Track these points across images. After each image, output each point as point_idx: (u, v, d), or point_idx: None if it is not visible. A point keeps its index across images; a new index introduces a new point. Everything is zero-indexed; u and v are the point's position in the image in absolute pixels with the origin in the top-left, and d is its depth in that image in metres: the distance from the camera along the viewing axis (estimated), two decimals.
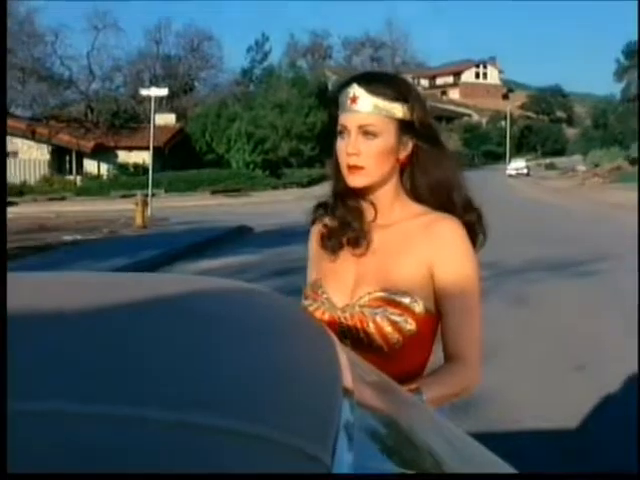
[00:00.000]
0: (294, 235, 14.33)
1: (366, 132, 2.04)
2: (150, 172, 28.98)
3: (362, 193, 2.13)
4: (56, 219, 27.53)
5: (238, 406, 0.81)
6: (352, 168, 2.05)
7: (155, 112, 30.79)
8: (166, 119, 50.46)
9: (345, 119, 2.07)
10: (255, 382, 0.90)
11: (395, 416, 1.19)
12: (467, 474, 1.11)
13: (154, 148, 29.85)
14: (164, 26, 64.71)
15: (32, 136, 47.28)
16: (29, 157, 47.03)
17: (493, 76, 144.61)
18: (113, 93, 57.44)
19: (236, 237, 20.20)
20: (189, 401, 0.79)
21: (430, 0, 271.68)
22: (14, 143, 44.79)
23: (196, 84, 65.74)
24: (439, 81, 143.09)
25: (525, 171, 71.91)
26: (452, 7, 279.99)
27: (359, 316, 2.05)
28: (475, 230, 2.14)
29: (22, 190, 41.97)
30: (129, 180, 44.31)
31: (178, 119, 53.66)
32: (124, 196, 38.13)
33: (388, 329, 2.01)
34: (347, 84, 2.10)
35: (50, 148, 48.24)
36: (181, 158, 48.55)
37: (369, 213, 2.15)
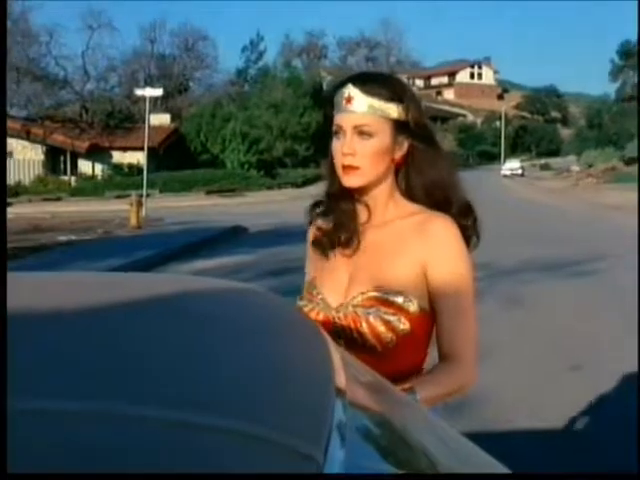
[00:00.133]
0: (289, 235, 14.32)
1: (361, 132, 2.04)
2: (145, 172, 28.96)
3: (357, 193, 2.13)
4: (51, 219, 27.49)
5: (232, 405, 0.82)
6: (347, 168, 2.06)
7: (150, 112, 30.79)
8: (161, 119, 50.44)
9: (340, 119, 2.07)
10: (249, 382, 0.90)
11: (389, 416, 1.19)
12: (461, 474, 1.11)
13: (149, 148, 29.82)
14: (159, 25, 64.79)
15: (27, 136, 47.23)
16: (24, 157, 46.98)
17: (488, 76, 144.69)
18: (108, 93, 57.41)
19: (231, 237, 20.18)
20: (185, 400, 0.80)
21: (425, 0, 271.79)
22: (9, 143, 44.69)
23: (191, 84, 65.75)
24: (434, 81, 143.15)
25: (520, 171, 71.90)
26: (447, 7, 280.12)
27: (352, 316, 2.05)
28: (469, 233, 2.14)
29: (17, 190, 41.91)
30: (124, 180, 44.26)
31: (173, 119, 53.63)
32: (119, 196, 38.07)
33: (381, 329, 2.02)
34: (342, 84, 2.10)
35: (45, 148, 48.19)
36: (176, 158, 48.53)
37: (363, 213, 2.16)
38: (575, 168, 63.85)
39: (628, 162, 53.23)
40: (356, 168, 2.05)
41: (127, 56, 61.82)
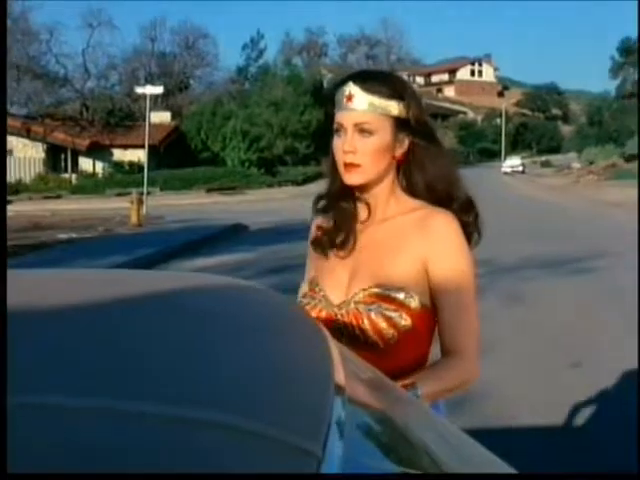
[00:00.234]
0: (289, 233, 14.32)
1: (362, 130, 2.05)
2: (145, 170, 28.96)
3: (358, 191, 2.14)
4: (51, 217, 27.51)
5: (231, 402, 0.82)
6: (348, 166, 2.06)
7: (150, 110, 30.78)
8: (161, 117, 50.45)
9: (341, 117, 2.08)
10: (249, 379, 0.90)
11: (389, 413, 1.19)
12: (463, 474, 1.11)
13: (149, 146, 29.84)
14: (159, 23, 64.79)
15: (27, 134, 47.26)
16: (24, 155, 47.01)
17: (488, 74, 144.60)
18: (108, 91, 57.41)
19: (231, 235, 20.19)
20: (185, 397, 0.80)
21: None
22: (9, 141, 44.70)
23: (191, 82, 65.73)
24: (434, 79, 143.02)
25: (520, 169, 71.88)
26: (447, 5, 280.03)
27: (354, 312, 2.05)
28: (470, 229, 2.14)
29: (17, 188, 41.94)
30: (124, 178, 44.28)
31: (173, 117, 53.65)
32: (119, 194, 38.11)
33: (383, 325, 2.02)
34: (343, 82, 2.11)
35: (45, 146, 48.23)
36: (176, 156, 48.55)
37: (364, 211, 2.16)
38: (576, 165, 63.85)
39: (628, 159, 53.20)
40: (357, 166, 2.06)
41: (127, 54, 61.89)
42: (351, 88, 2.06)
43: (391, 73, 2.37)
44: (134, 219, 23.06)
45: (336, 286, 2.13)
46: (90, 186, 45.10)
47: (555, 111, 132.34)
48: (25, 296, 1.13)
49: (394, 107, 2.06)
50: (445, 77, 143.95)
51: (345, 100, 2.07)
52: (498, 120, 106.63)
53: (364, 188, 2.12)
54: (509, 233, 16.16)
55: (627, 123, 64.78)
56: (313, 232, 2.26)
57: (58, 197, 41.71)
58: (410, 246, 2.06)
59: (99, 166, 49.36)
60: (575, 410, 5.62)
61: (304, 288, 2.25)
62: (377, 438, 1.04)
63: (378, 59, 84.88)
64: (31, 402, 0.75)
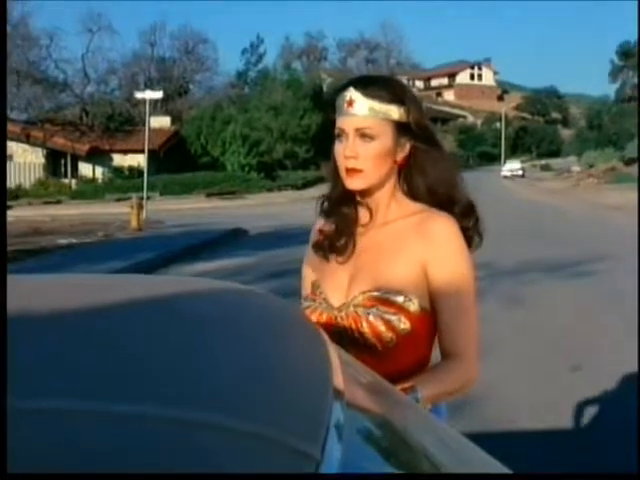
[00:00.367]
0: (289, 237, 14.32)
1: (363, 135, 2.06)
2: (145, 175, 28.98)
3: (360, 195, 2.15)
4: (51, 222, 27.51)
5: (230, 404, 0.82)
6: (350, 171, 2.07)
7: (150, 115, 30.79)
8: (161, 122, 50.50)
9: (342, 122, 2.09)
10: (248, 381, 0.90)
11: (388, 416, 1.19)
12: (461, 474, 1.11)
13: (149, 151, 29.87)
14: (159, 28, 64.88)
15: (27, 139, 47.31)
16: (24, 160, 47.05)
17: (488, 77, 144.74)
18: (108, 96, 57.50)
19: (231, 239, 20.19)
20: (185, 399, 0.81)
21: (425, 1, 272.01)
22: (9, 146, 44.75)
23: (191, 87, 65.84)
24: (434, 82, 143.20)
25: (520, 172, 71.86)
26: (447, 8, 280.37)
27: (353, 316, 2.06)
28: (470, 233, 2.15)
29: (17, 194, 41.96)
30: (124, 183, 44.35)
31: (173, 122, 53.70)
32: (119, 199, 38.16)
33: (381, 328, 2.02)
34: (343, 88, 2.12)
35: (45, 151, 48.29)
36: (176, 161, 48.59)
37: (365, 215, 2.17)
38: (576, 169, 63.84)
39: (628, 162, 53.22)
40: (359, 171, 2.07)
41: (127, 59, 62.02)
42: (352, 93, 2.07)
43: (391, 78, 2.38)
44: (134, 224, 23.07)
45: (337, 289, 2.13)
46: (90, 191, 45.13)
47: (555, 115, 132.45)
48: (25, 301, 1.13)
49: (395, 112, 2.06)
50: (445, 81, 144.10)
51: (346, 105, 2.08)
52: (498, 124, 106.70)
53: (366, 192, 2.13)
54: (509, 236, 16.15)
55: (627, 126, 64.92)
56: (315, 235, 2.26)
57: (58, 202, 41.74)
58: (410, 249, 2.07)
59: (99, 171, 49.42)
60: (575, 413, 5.62)
61: (306, 290, 2.26)
62: (376, 442, 1.04)
63: (377, 63, 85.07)
64: (31, 406, 0.76)
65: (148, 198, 28.81)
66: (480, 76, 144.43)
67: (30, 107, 53.45)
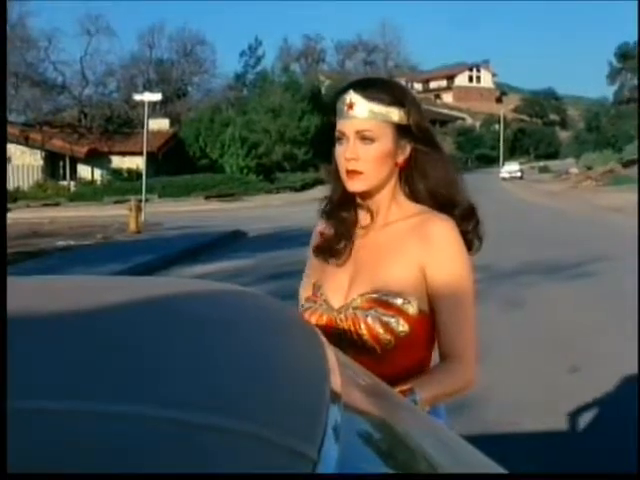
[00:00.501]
0: (288, 239, 14.31)
1: (363, 137, 2.06)
2: (144, 177, 28.96)
3: (360, 197, 2.16)
4: (50, 225, 27.51)
5: (228, 405, 0.83)
6: (351, 173, 2.08)
7: (149, 117, 30.79)
8: (160, 124, 50.49)
9: (343, 125, 2.09)
10: (246, 382, 0.91)
11: (385, 418, 1.19)
12: (461, 474, 1.11)
13: (148, 153, 29.85)
14: (157, 30, 64.88)
15: (25, 142, 47.30)
16: (22, 163, 47.04)
17: (486, 79, 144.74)
18: (106, 98, 57.45)
19: (230, 242, 20.20)
20: (183, 400, 0.81)
21: (423, 2, 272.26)
22: (7, 149, 44.73)
23: (189, 89, 65.84)
24: (433, 85, 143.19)
25: (519, 174, 71.77)
26: (445, 10, 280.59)
27: (352, 317, 2.06)
28: (470, 236, 2.15)
29: (16, 196, 41.94)
30: (123, 185, 44.31)
31: (172, 124, 53.69)
32: (118, 202, 38.14)
33: (380, 330, 2.03)
34: (344, 91, 2.13)
35: (43, 154, 48.27)
36: (175, 163, 48.57)
37: (366, 216, 2.18)
38: (574, 170, 63.81)
39: (626, 164, 53.24)
40: (360, 173, 2.07)
41: (125, 61, 61.94)
42: (352, 96, 2.08)
43: (391, 80, 2.39)
44: (133, 226, 23.07)
45: (337, 290, 2.14)
46: (88, 193, 45.11)
47: (553, 117, 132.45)
48: (24, 302, 1.13)
49: (395, 114, 2.07)
50: (443, 83, 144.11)
51: (346, 108, 2.08)
52: (496, 126, 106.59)
53: (366, 195, 2.14)
54: (508, 238, 16.15)
55: (625, 128, 64.93)
56: (316, 238, 2.27)
57: (56, 204, 41.72)
58: (409, 251, 2.07)
59: (97, 173, 49.40)
60: (574, 415, 5.62)
61: (307, 290, 2.27)
62: (374, 443, 1.04)
63: (376, 65, 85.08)
64: (31, 406, 0.76)
65: (147, 200, 28.81)
66: (479, 78, 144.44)
67: (28, 109, 53.41)
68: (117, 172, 48.69)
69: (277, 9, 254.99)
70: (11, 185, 44.13)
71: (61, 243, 20.03)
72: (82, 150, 48.53)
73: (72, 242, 20.35)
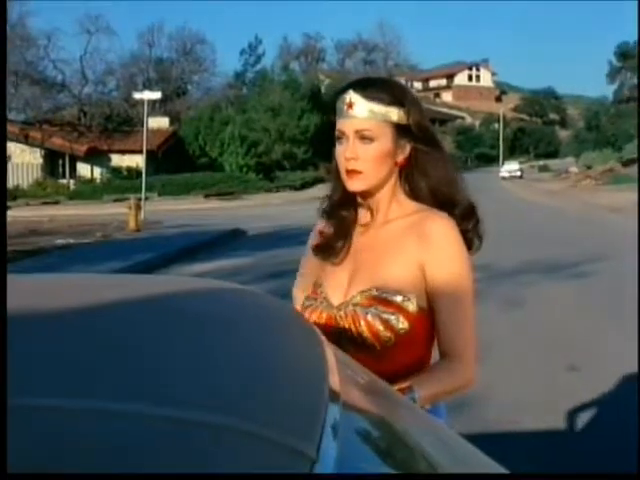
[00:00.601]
0: (287, 238, 14.32)
1: (363, 137, 2.07)
2: (143, 176, 28.96)
3: (361, 196, 2.17)
4: (49, 223, 27.51)
5: (226, 403, 0.83)
6: (351, 172, 2.08)
7: (148, 115, 30.78)
8: (159, 122, 50.50)
9: (342, 124, 2.10)
10: (244, 380, 0.91)
11: (384, 416, 1.19)
12: (459, 474, 1.11)
13: (147, 152, 29.85)
14: (157, 29, 64.89)
15: (25, 140, 47.28)
16: (22, 161, 47.02)
17: (486, 78, 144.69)
18: (106, 97, 57.46)
19: (229, 240, 20.20)
20: (181, 398, 0.81)
21: (423, 2, 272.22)
22: (7, 147, 44.71)
23: (189, 87, 65.86)
24: (432, 84, 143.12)
25: (518, 173, 71.75)
26: (445, 9, 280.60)
27: (352, 315, 2.07)
28: (470, 235, 2.15)
29: (15, 194, 41.92)
30: (122, 184, 44.33)
31: (171, 122, 53.70)
32: (117, 200, 38.15)
33: (380, 327, 2.03)
34: (343, 90, 2.13)
35: (43, 152, 48.25)
36: (174, 161, 48.58)
37: (366, 215, 2.19)
38: (574, 170, 63.79)
39: (626, 163, 53.24)
40: (359, 172, 2.08)
41: (125, 60, 61.96)
42: (351, 96, 2.08)
43: (391, 80, 2.39)
44: (132, 224, 23.07)
45: (336, 288, 2.15)
46: (88, 192, 45.10)
47: (553, 116, 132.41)
48: (24, 300, 1.13)
49: (394, 113, 2.07)
50: (443, 82, 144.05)
51: (346, 108, 2.09)
52: (496, 125, 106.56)
53: (366, 194, 2.15)
54: (508, 237, 16.15)
55: (625, 127, 64.92)
56: (315, 237, 2.27)
57: (56, 203, 41.73)
58: (408, 249, 2.08)
59: (97, 172, 49.40)
60: (574, 413, 5.62)
61: (297, 293, 2.32)
62: (373, 442, 1.04)
63: (376, 64, 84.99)
64: (31, 404, 0.76)
65: (146, 199, 28.81)
66: (478, 77, 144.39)
67: (28, 107, 53.41)
68: (117, 170, 48.69)
69: (277, 8, 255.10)
70: (11, 183, 44.11)
71: (60, 241, 20.03)
72: (82, 148, 48.53)
73: (71, 240, 20.34)
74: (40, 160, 48.17)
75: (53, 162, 48.82)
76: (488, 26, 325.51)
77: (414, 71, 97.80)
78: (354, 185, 2.10)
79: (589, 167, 59.17)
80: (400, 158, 2.12)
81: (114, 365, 0.89)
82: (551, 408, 5.79)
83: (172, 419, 0.75)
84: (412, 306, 2.03)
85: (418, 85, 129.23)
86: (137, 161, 43.15)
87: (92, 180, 48.83)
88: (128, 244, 19.20)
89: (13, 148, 45.98)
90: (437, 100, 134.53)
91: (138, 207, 23.77)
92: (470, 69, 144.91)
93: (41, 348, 0.93)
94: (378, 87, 2.11)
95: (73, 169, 49.10)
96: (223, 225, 22.85)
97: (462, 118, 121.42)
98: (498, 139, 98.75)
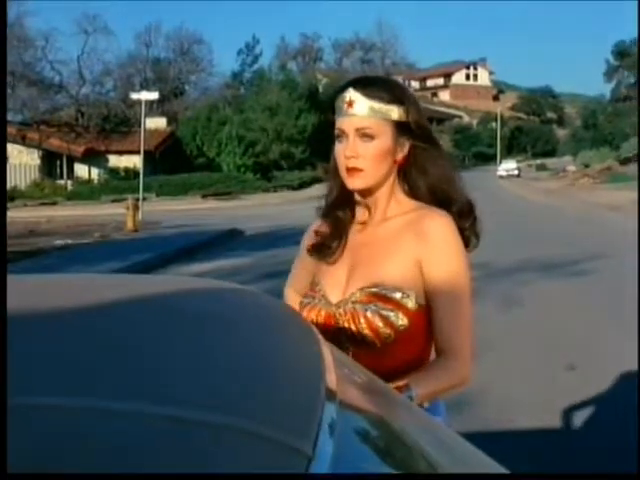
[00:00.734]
0: (285, 238, 14.32)
1: (363, 135, 2.08)
2: (141, 176, 28.97)
3: (360, 194, 2.17)
4: (47, 224, 27.49)
5: (223, 401, 0.83)
6: (351, 170, 2.09)
7: (146, 116, 30.77)
8: (157, 123, 50.47)
9: (342, 123, 2.10)
10: (241, 379, 0.91)
11: (381, 415, 1.19)
12: (458, 474, 1.11)
13: (145, 152, 29.85)
14: (154, 29, 64.84)
15: (22, 141, 47.24)
16: (19, 162, 46.97)
17: (483, 77, 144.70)
18: (103, 97, 57.39)
19: (227, 240, 20.19)
20: (180, 397, 0.81)
21: (420, 0, 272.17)
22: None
23: (186, 87, 65.83)
24: (430, 83, 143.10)
25: (516, 172, 71.72)
26: (442, 8, 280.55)
27: (352, 312, 2.07)
28: (467, 233, 2.15)
29: (13, 195, 41.88)
30: (120, 184, 44.31)
31: (169, 123, 53.68)
32: (115, 200, 38.14)
33: (379, 324, 2.03)
34: (343, 89, 2.14)
35: (40, 153, 48.21)
36: (172, 162, 48.56)
37: (364, 213, 2.20)
38: (571, 168, 63.78)
39: (623, 162, 53.27)
40: (360, 170, 2.09)
41: (122, 60, 61.88)
42: (351, 94, 2.09)
43: (390, 78, 2.41)
44: (130, 225, 23.07)
45: (335, 286, 2.15)
46: (86, 192, 45.07)
47: (550, 114, 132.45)
48: (24, 300, 1.13)
49: (394, 112, 2.08)
50: (440, 81, 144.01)
51: (346, 106, 2.09)
52: (493, 124, 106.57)
53: (366, 192, 2.15)
54: (505, 235, 16.16)
55: (622, 126, 64.95)
56: (311, 237, 2.28)
57: (54, 203, 41.69)
58: (406, 246, 2.08)
59: (95, 172, 49.37)
60: (572, 412, 5.62)
61: (289, 292, 2.36)
62: (370, 440, 1.04)
63: (373, 63, 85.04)
64: (31, 403, 0.76)
65: (144, 199, 28.79)
66: (475, 76, 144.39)
67: (25, 108, 53.32)
68: (114, 171, 48.66)
69: (274, 8, 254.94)
70: (8, 184, 44.01)
71: (59, 242, 20.01)
72: (79, 149, 48.50)
73: (70, 241, 20.33)
74: (37, 161, 48.13)
75: (51, 163, 48.78)
76: (485, 25, 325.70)
77: (411, 70, 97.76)
78: (355, 183, 2.10)
79: (587, 166, 59.17)
80: (399, 156, 2.12)
81: (114, 364, 0.89)
82: (549, 407, 5.79)
83: (171, 418, 0.76)
84: (411, 303, 2.04)
85: (415, 84, 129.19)
86: (135, 161, 43.11)
87: (90, 181, 48.80)
88: (126, 244, 19.20)
89: (10, 149, 45.88)
90: (434, 99, 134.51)
91: (136, 207, 23.77)
92: (467, 68, 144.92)
93: (41, 347, 0.93)
94: (378, 85, 2.12)
95: (71, 170, 49.06)
96: (221, 225, 22.85)
97: (459, 117, 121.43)
98: (495, 138, 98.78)
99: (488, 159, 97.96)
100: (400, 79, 62.54)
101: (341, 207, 2.20)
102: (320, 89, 62.37)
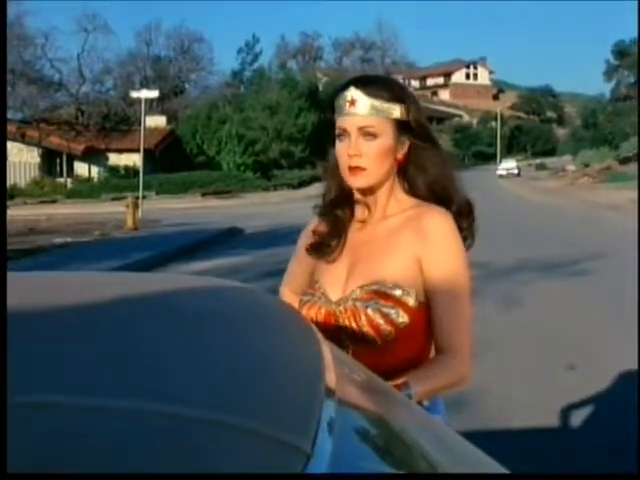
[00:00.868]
0: (284, 236, 14.33)
1: (366, 133, 2.08)
2: (141, 174, 28.97)
3: (361, 193, 2.18)
4: (47, 222, 27.49)
5: (222, 399, 0.83)
6: (354, 169, 2.09)
7: (145, 114, 30.76)
8: (157, 121, 50.49)
9: (344, 122, 2.10)
10: (240, 377, 0.91)
11: (380, 413, 1.19)
12: (458, 474, 1.11)
13: (145, 150, 29.83)
14: (154, 27, 64.88)
15: (22, 139, 47.23)
16: (19, 160, 46.96)
17: (483, 76, 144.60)
18: (103, 95, 57.41)
19: (227, 239, 20.20)
20: (180, 395, 0.82)
21: (420, 0, 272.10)
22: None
23: (187, 86, 65.85)
24: (429, 82, 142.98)
25: (516, 171, 71.72)
26: (442, 7, 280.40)
27: (352, 309, 2.07)
28: (464, 233, 2.16)
29: (12, 193, 41.87)
30: (120, 182, 44.33)
31: (169, 121, 53.69)
32: (115, 199, 38.16)
33: (380, 322, 2.03)
34: (344, 87, 2.14)
35: (40, 151, 48.21)
36: (172, 160, 48.57)
37: (364, 211, 2.20)
38: (571, 168, 63.75)
39: (623, 161, 53.25)
40: (363, 169, 2.09)
41: (122, 58, 61.92)
42: (353, 93, 2.09)
43: (390, 77, 2.43)
44: (130, 223, 23.07)
45: (334, 283, 2.15)
46: (85, 190, 45.08)
47: (550, 114, 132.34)
48: (23, 298, 1.13)
49: (395, 110, 2.09)
50: (440, 80, 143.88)
51: (348, 105, 2.10)
52: (493, 123, 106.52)
53: (367, 190, 2.16)
54: (505, 234, 16.16)
55: (622, 125, 64.90)
56: (309, 236, 2.27)
57: (53, 202, 41.71)
58: (406, 244, 2.09)
59: (94, 170, 49.37)
60: (572, 412, 5.62)
61: (285, 290, 2.37)
62: (369, 438, 1.04)
63: (373, 62, 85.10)
64: (31, 401, 0.76)
65: (144, 197, 28.78)
66: (475, 75, 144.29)
67: (25, 106, 53.35)
68: (114, 169, 48.67)
69: (274, 6, 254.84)
70: (8, 182, 44.01)
71: (58, 240, 20.01)
72: (79, 147, 48.51)
73: (69, 239, 20.33)
74: (37, 159, 48.14)
75: (50, 161, 48.78)
76: (485, 24, 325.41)
77: (411, 69, 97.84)
78: (357, 182, 2.11)
79: (586, 165, 59.15)
80: (400, 154, 2.13)
81: (114, 362, 0.89)
82: (549, 407, 5.79)
83: (171, 416, 0.76)
84: (412, 300, 2.04)
85: (415, 83, 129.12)
86: (134, 160, 43.11)
87: (90, 179, 48.81)
88: (126, 243, 19.20)
89: (10, 147, 45.80)
90: (434, 98, 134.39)
91: (136, 206, 23.78)
92: (467, 67, 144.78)
93: (40, 345, 0.93)
94: (379, 84, 2.12)
95: (70, 168, 49.06)
96: (221, 223, 22.86)
97: (459, 116, 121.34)
98: (495, 137, 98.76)
99: (488, 158, 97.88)
100: (400, 78, 62.53)
101: (340, 205, 2.20)
102: (320, 88, 62.37)
